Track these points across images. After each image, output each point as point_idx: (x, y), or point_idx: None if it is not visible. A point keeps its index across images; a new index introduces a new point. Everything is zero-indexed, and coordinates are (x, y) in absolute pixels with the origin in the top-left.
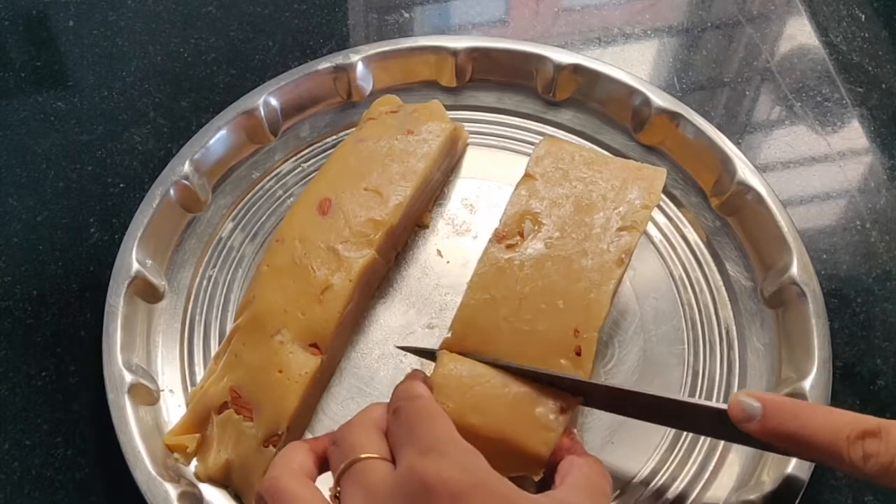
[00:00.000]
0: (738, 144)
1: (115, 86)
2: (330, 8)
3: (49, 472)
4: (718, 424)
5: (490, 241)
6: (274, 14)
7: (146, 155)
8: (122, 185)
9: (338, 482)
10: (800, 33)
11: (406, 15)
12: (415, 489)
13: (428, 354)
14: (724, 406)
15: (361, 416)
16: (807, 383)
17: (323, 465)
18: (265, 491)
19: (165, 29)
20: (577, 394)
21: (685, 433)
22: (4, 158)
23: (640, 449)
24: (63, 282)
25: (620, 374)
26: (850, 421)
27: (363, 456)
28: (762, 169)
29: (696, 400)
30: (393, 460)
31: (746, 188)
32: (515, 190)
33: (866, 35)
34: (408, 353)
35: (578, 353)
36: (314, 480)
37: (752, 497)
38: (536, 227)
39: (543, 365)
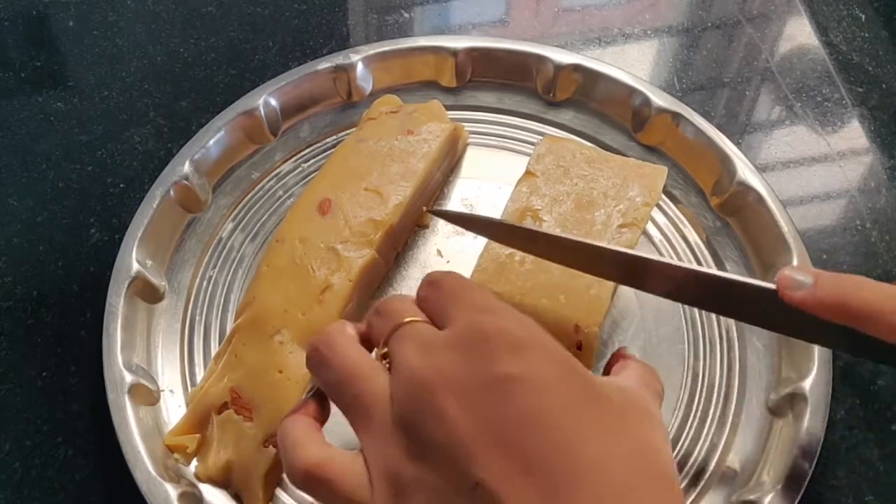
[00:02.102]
0: (738, 144)
1: (115, 86)
2: (330, 8)
3: (49, 473)
4: (765, 305)
5: (490, 241)
6: (274, 14)
7: (146, 155)
8: (122, 185)
9: (385, 344)
10: (800, 33)
11: (406, 15)
12: (473, 339)
13: (463, 221)
14: (772, 286)
15: (393, 297)
16: (807, 383)
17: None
18: (319, 341)
19: (165, 29)
20: (625, 274)
21: (684, 435)
22: (4, 158)
23: None
24: (63, 282)
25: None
26: None
27: (409, 319)
28: (762, 169)
29: (744, 278)
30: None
31: (747, 188)
32: (516, 187)
33: (866, 35)
34: None
35: (579, 348)
36: None
37: (752, 497)
38: (537, 224)
39: None
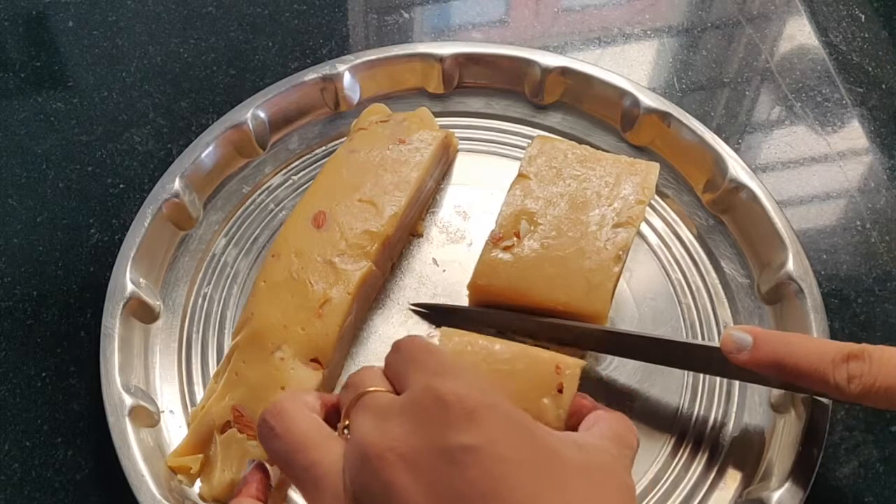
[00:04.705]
0: (737, 144)
1: (115, 86)
2: (330, 8)
3: (49, 473)
4: (715, 362)
5: (486, 243)
6: (274, 14)
7: (146, 155)
8: (122, 186)
9: (346, 416)
10: (800, 33)
11: (406, 15)
12: (428, 404)
13: (437, 315)
14: (716, 344)
15: (364, 368)
16: None
17: (330, 416)
18: (268, 412)
19: (165, 29)
20: (581, 342)
21: (688, 435)
22: (4, 158)
23: (645, 449)
24: (63, 282)
25: (622, 376)
26: (835, 346)
27: (371, 389)
28: (762, 169)
29: (690, 340)
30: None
31: (739, 185)
32: (510, 190)
33: (866, 35)
34: None
35: (560, 391)
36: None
37: (760, 495)
38: (532, 227)
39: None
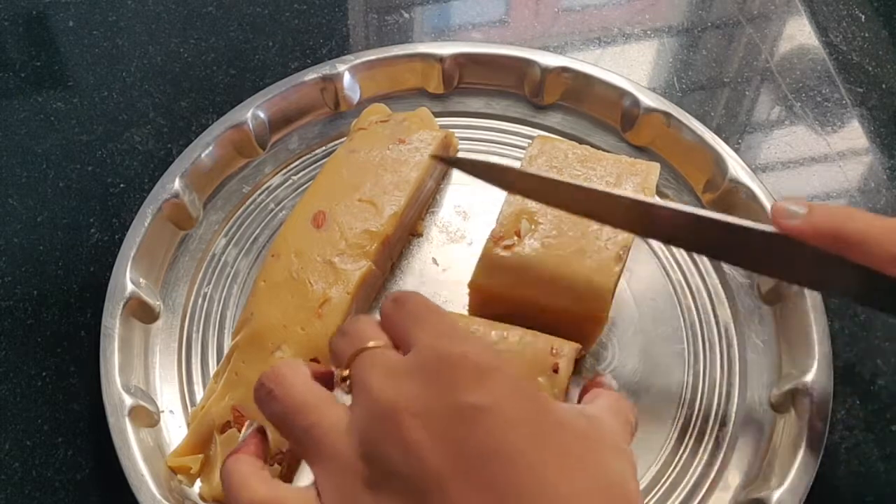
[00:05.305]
0: (737, 144)
1: (115, 86)
2: (330, 8)
3: (49, 473)
4: (764, 247)
5: (487, 242)
6: (274, 14)
7: (146, 155)
8: (122, 186)
9: (347, 366)
10: (800, 33)
11: (406, 15)
12: (437, 365)
13: (480, 171)
14: (771, 228)
15: (359, 317)
16: (808, 379)
17: (323, 383)
18: (266, 377)
19: (165, 29)
20: (633, 221)
21: (689, 435)
22: (4, 158)
23: (645, 448)
24: (63, 282)
25: (622, 376)
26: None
27: (373, 344)
28: (762, 169)
29: (744, 222)
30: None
31: (738, 185)
32: None
33: (866, 35)
34: None
35: (556, 371)
36: None
37: (760, 495)
38: (533, 226)
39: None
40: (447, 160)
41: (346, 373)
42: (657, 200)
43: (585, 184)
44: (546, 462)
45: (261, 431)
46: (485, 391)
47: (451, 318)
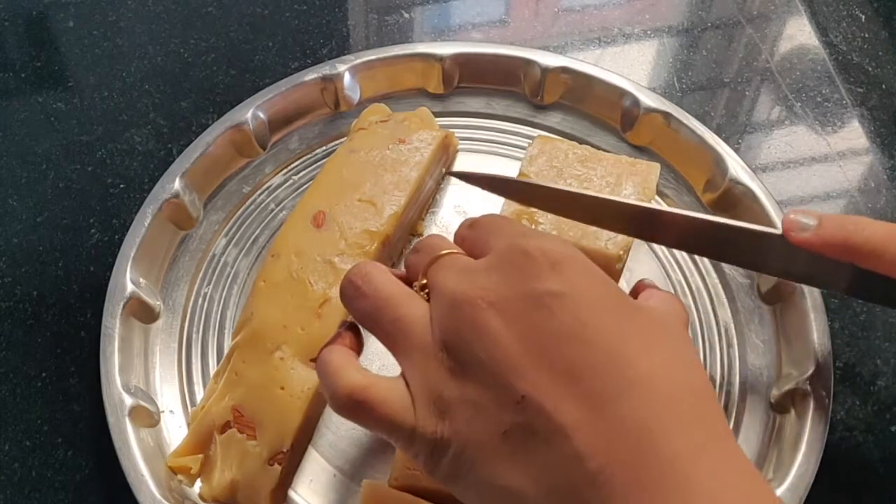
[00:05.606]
0: (737, 144)
1: (115, 86)
2: (330, 8)
3: (49, 473)
4: (771, 250)
5: None
6: (274, 14)
7: (146, 155)
8: (122, 186)
9: (424, 275)
10: (800, 33)
11: (406, 15)
12: (513, 259)
13: (483, 182)
14: (778, 231)
15: (431, 235)
16: (808, 378)
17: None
18: (353, 273)
19: (165, 29)
20: (637, 226)
21: None
22: (4, 158)
23: None
24: (63, 282)
25: None
26: None
27: (447, 251)
28: (762, 169)
29: (750, 225)
30: None
31: (739, 185)
32: None
33: (866, 35)
34: None
35: None
36: None
37: None
38: (533, 227)
39: None
40: (461, 175)
41: (423, 281)
42: (658, 206)
43: (595, 193)
44: (624, 340)
45: (353, 327)
46: (561, 278)
47: (525, 226)
